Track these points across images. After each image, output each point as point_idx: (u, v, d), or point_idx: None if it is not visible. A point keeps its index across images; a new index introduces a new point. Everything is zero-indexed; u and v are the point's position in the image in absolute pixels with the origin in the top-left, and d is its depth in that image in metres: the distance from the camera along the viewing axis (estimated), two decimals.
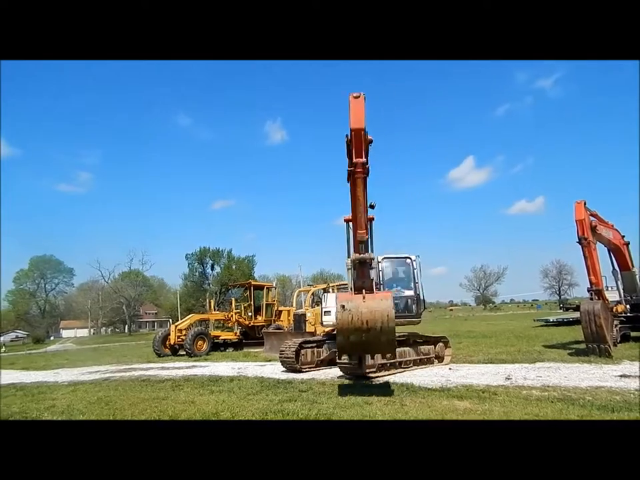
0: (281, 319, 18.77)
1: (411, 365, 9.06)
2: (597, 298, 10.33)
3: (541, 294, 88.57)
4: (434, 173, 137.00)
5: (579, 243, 10.52)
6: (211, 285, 55.55)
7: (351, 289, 6.71)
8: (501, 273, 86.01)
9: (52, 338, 65.30)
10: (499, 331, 20.69)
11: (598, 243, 11.41)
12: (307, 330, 12.77)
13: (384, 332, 5.77)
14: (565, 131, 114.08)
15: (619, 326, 11.95)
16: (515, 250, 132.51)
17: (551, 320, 24.29)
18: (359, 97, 5.84)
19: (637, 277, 13.61)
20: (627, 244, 13.62)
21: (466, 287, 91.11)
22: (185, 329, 16.47)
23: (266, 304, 18.90)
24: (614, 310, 12.08)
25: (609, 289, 13.24)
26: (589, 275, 10.55)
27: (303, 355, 9.64)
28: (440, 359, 9.82)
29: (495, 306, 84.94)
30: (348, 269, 7.54)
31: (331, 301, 10.21)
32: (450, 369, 9.03)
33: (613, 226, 12.81)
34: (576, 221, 10.56)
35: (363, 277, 6.22)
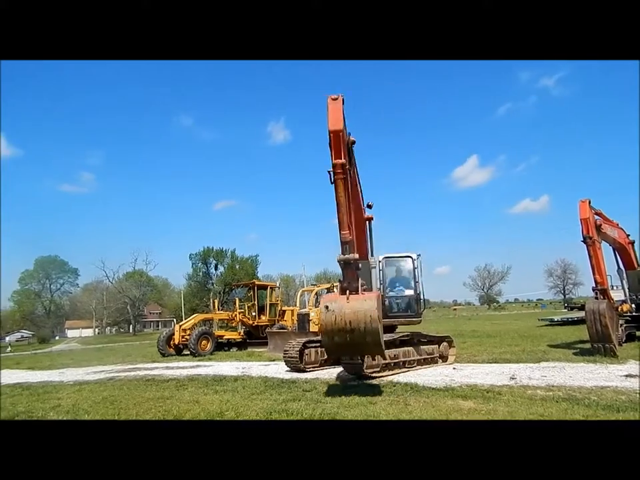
0: (285, 318, 18.81)
1: (415, 364, 9.03)
2: (602, 297, 10.24)
3: (546, 293, 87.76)
4: (438, 173, 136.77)
5: (584, 241, 10.44)
6: (214, 285, 55.84)
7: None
8: (505, 272, 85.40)
9: (57, 338, 65.68)
10: (503, 330, 20.59)
11: (603, 241, 11.34)
12: (310, 329, 12.75)
13: (368, 333, 5.69)
14: (570, 130, 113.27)
15: (625, 325, 11.88)
16: (519, 249, 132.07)
17: (556, 319, 24.21)
18: (337, 98, 5.92)
19: None
20: (632, 243, 13.54)
21: (470, 287, 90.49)
22: (189, 329, 16.49)
23: (270, 304, 18.89)
24: (619, 309, 12.00)
25: (614, 288, 13.14)
26: (593, 274, 10.47)
27: (307, 354, 9.66)
28: (444, 358, 9.78)
29: (499, 305, 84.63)
30: None
31: None
32: (454, 368, 8.99)
33: (617, 225, 12.74)
34: (581, 219, 10.48)
35: (349, 277, 6.16)
